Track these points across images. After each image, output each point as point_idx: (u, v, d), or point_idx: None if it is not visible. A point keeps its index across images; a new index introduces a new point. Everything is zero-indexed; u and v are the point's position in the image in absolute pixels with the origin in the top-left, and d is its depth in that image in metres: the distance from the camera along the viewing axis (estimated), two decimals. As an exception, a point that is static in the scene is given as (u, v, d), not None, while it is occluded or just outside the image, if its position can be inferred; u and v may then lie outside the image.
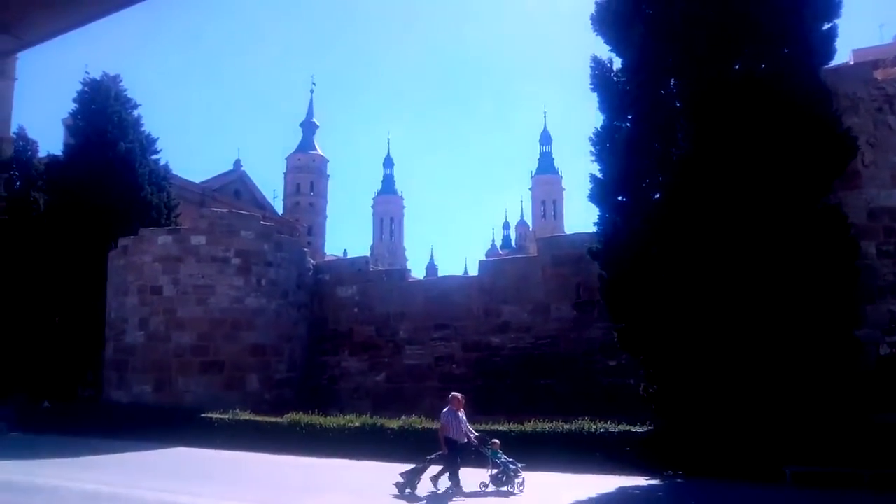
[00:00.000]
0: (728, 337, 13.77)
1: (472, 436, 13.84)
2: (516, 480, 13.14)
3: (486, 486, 13.25)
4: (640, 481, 13.98)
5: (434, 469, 13.47)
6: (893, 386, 14.48)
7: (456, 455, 13.36)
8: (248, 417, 21.10)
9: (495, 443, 13.92)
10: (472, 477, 13.35)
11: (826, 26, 15.29)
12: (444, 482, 13.26)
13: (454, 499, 12.80)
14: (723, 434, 13.61)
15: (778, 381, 13.35)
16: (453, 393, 14.38)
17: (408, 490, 13.01)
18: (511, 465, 13.26)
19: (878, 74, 16.81)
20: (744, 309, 13.72)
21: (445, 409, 13.88)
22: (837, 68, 16.50)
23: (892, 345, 15.03)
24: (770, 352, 13.45)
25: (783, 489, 12.69)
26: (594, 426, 15.82)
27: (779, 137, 14.12)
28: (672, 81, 16.09)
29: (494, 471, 13.36)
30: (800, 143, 14.10)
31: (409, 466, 13.47)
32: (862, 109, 15.90)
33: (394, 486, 13.04)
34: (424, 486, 13.20)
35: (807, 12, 15.08)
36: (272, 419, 20.46)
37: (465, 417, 13.94)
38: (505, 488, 13.12)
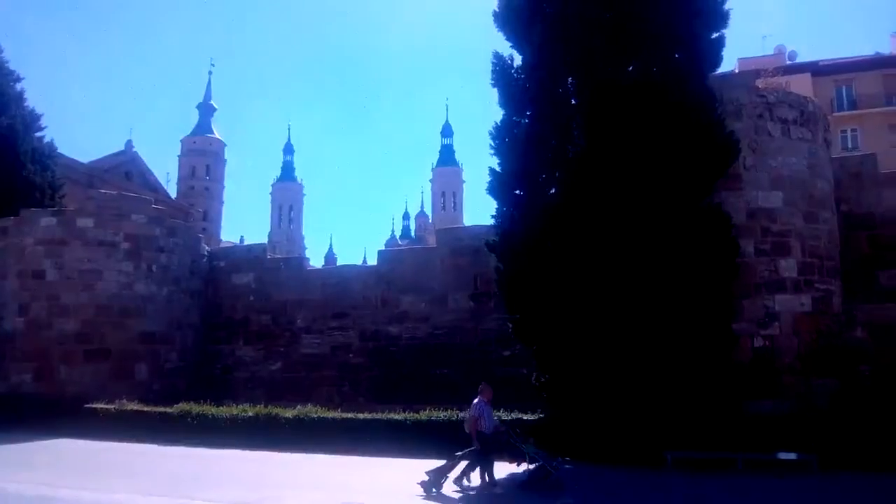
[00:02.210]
0: (616, 328, 14.36)
1: (502, 428, 13.11)
2: (554, 476, 12.26)
3: (520, 482, 12.40)
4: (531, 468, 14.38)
5: (461, 466, 12.57)
6: (765, 376, 15.54)
7: (489, 449, 12.46)
8: (135, 408, 20.44)
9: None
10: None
11: (714, 35, 16.19)
12: (475, 479, 12.41)
13: (490, 497, 12.02)
14: (609, 421, 14.18)
15: (661, 371, 14.04)
16: (483, 383, 13.51)
17: (434, 490, 12.04)
18: (549, 460, 12.44)
19: (760, 83, 17.89)
20: (631, 302, 14.33)
21: (476, 400, 12.96)
22: (724, 75, 17.46)
23: (766, 338, 16.07)
24: (654, 343, 14.13)
25: (663, 473, 13.38)
26: (488, 414, 16.13)
27: (667, 138, 14.81)
28: (570, 80, 16.57)
29: (530, 466, 12.58)
30: (686, 145, 14.84)
31: (436, 463, 12.55)
32: (745, 115, 16.86)
33: (419, 486, 12.06)
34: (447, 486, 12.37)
35: (697, 21, 15.90)
36: (162, 409, 19.86)
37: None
38: (542, 485, 12.23)
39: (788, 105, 17.42)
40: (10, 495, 11.73)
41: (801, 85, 32.94)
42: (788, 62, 44.06)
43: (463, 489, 12.32)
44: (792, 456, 13.17)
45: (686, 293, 14.27)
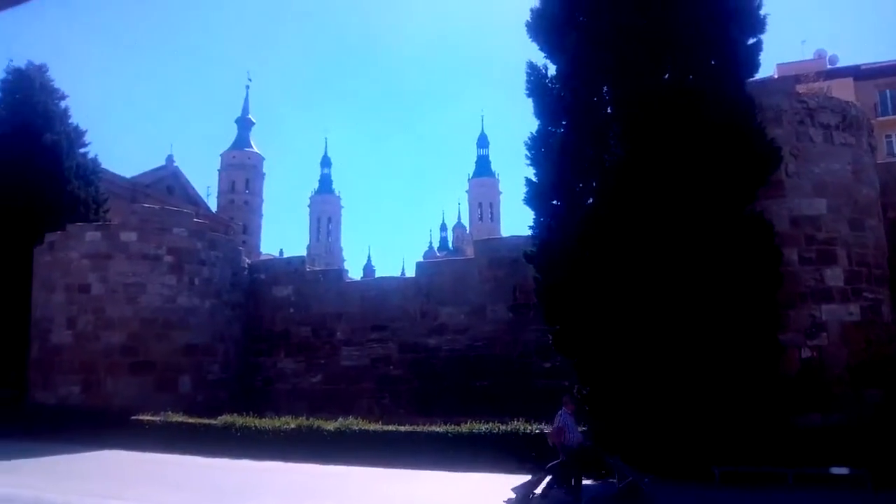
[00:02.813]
0: (658, 340, 14.18)
1: (588, 441, 12.54)
2: (644, 493, 11.68)
3: (607, 498, 11.81)
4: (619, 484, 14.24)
5: (546, 481, 12.08)
6: (814, 388, 15.17)
7: (575, 463, 11.94)
8: (180, 419, 20.72)
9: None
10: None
11: (751, 41, 16.02)
12: (560, 495, 11.91)
13: None
14: (654, 434, 13.98)
15: (706, 383, 13.82)
16: (567, 394, 13.17)
17: None
18: (639, 476, 11.90)
19: (800, 88, 17.61)
20: (673, 313, 14.15)
21: (559, 412, 12.56)
22: (762, 81, 17.21)
23: (814, 348, 15.69)
24: (698, 354, 13.92)
25: (712, 488, 13.10)
26: (530, 427, 16.05)
27: (706, 146, 14.63)
28: (605, 88, 16.48)
29: (620, 483, 11.93)
30: (726, 153, 14.65)
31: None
32: (785, 121, 16.57)
33: None
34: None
35: (733, 26, 15.71)
36: (206, 421, 20.11)
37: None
38: (630, 502, 11.68)
39: (830, 110, 17.08)
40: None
41: (843, 89, 32.30)
42: (829, 66, 43.22)
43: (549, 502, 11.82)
44: (844, 471, 12.75)
45: (729, 303, 14.05)
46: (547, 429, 15.82)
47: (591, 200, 16.27)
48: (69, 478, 15.34)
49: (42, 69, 32.83)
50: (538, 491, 11.94)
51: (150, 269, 24.66)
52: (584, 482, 12.17)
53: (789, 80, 17.92)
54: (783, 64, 40.48)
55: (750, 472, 13.16)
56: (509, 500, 11.71)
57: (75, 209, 29.64)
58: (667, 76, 15.84)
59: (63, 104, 33.05)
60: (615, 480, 12.16)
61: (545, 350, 19.40)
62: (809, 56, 47.23)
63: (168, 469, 17.09)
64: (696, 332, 13.97)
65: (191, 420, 20.56)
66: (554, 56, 17.15)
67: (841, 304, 15.99)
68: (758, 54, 16.05)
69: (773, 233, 15.13)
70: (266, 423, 19.13)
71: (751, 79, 16.17)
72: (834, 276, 16.11)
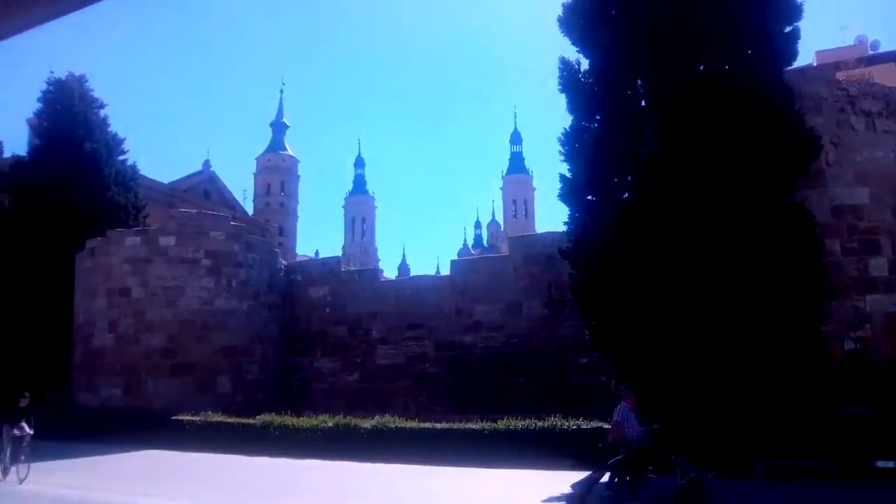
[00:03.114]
0: (697, 334, 13.99)
1: (648, 437, 11.91)
2: (707, 490, 11.07)
3: (668, 495, 11.17)
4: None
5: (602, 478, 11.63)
6: (858, 380, 14.83)
7: (636, 459, 11.49)
8: (220, 419, 20.98)
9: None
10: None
11: (788, 28, 15.69)
12: (620, 491, 11.38)
13: None
14: (692, 428, 13.78)
15: (746, 377, 13.59)
16: (625, 388, 12.67)
17: None
18: (702, 472, 11.21)
19: (841, 76, 17.18)
20: (712, 306, 13.95)
21: (618, 406, 12.19)
22: (801, 69, 16.83)
23: (857, 340, 15.34)
24: (738, 348, 13.69)
25: (753, 482, 12.88)
26: (567, 423, 15.98)
27: (743, 137, 14.39)
28: (639, 82, 16.33)
29: (682, 480, 11.20)
30: (764, 143, 14.39)
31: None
32: (825, 110, 16.22)
33: (564, 501, 11.29)
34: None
35: (769, 15, 15.42)
36: (245, 421, 20.35)
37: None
38: (692, 499, 10.98)
39: (872, 97, 16.66)
40: (104, 504, 12.19)
41: (886, 75, 31.44)
42: (871, 52, 42.14)
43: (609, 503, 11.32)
44: (890, 464, 12.42)
45: (770, 295, 13.80)
46: (584, 424, 15.80)
47: (626, 195, 16.15)
48: (114, 477, 15.62)
49: (81, 79, 33.53)
50: (599, 484, 11.51)
51: (188, 273, 25.01)
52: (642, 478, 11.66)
53: (829, 67, 17.48)
54: (822, 51, 39.47)
55: (792, 465, 12.87)
56: (568, 495, 11.40)
57: (115, 215, 30.23)
58: (702, 67, 15.63)
59: (102, 113, 33.75)
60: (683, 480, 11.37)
61: (581, 346, 19.27)
62: (850, 42, 46.06)
63: (209, 468, 17.29)
64: (736, 326, 13.75)
65: (230, 420, 20.81)
66: (587, 50, 17.02)
67: (885, 295, 15.59)
68: (795, 42, 15.73)
69: (814, 223, 14.81)
70: (304, 421, 19.30)
71: (789, 67, 15.85)
72: (878, 266, 15.72)
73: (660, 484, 11.64)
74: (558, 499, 11.98)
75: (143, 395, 23.82)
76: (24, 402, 15.40)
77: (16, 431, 14.75)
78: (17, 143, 66.08)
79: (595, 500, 11.37)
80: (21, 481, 14.19)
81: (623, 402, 12.22)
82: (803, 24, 15.75)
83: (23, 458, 14.64)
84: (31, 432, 15.00)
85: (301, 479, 15.47)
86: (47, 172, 29.80)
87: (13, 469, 14.68)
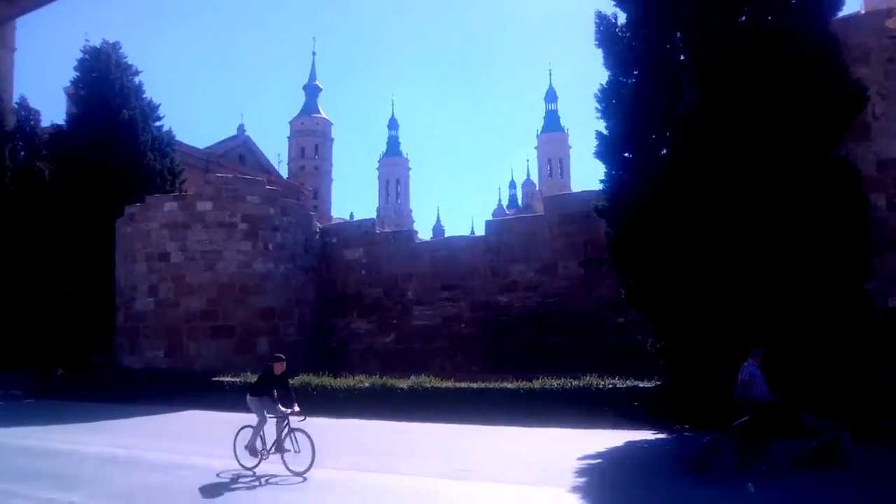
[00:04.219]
0: (737, 292, 13.76)
1: (776, 397, 11.15)
2: (843, 452, 10.39)
3: (798, 459, 10.58)
4: (648, 435, 14.12)
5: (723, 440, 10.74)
6: (900, 338, 14.47)
7: (765, 421, 10.72)
8: (259, 380, 21.25)
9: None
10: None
11: (835, -25, 15.01)
12: (743, 454, 10.69)
13: (767, 477, 10.15)
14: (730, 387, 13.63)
15: (787, 335, 13.35)
16: (755, 346, 11.65)
17: (701, 468, 10.24)
18: (839, 433, 10.56)
19: (890, 23, 16.46)
20: (752, 263, 13.69)
21: (745, 363, 11.38)
22: (847, 18, 16.21)
23: (902, 297, 14.98)
24: (779, 306, 13.45)
25: (791, 441, 12.67)
26: (602, 382, 15.97)
27: (786, 90, 13.96)
28: (678, 35, 15.88)
29: (813, 442, 10.60)
30: (808, 96, 13.93)
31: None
32: (872, 60, 15.66)
33: (684, 464, 10.41)
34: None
35: (815, -39, 14.79)
36: (283, 381, 20.60)
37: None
38: (825, 462, 10.36)
39: (924, 45, 16.01)
40: (146, 462, 12.48)
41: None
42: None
43: (733, 466, 10.52)
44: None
45: (813, 252, 13.48)
46: (620, 383, 15.76)
47: (664, 151, 15.83)
48: (159, 437, 16.04)
49: (116, 47, 33.69)
50: (722, 447, 10.60)
51: (226, 237, 25.28)
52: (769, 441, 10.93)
53: (878, 14, 16.74)
54: (870, -1, 38.14)
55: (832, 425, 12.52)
56: (689, 456, 10.41)
57: (152, 181, 30.60)
58: (743, 18, 15.12)
59: (137, 80, 33.96)
60: (816, 442, 10.67)
61: (618, 305, 19.16)
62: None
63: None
64: (778, 283, 13.49)
65: (269, 381, 21.05)
66: (624, 4, 16.60)
67: (933, 251, 15.16)
68: (842, -11, 15.11)
69: (859, 178, 14.37)
70: (341, 382, 19.54)
71: (835, 17, 15.25)
72: (926, 222, 15.25)
73: (786, 447, 10.89)
74: (593, 457, 12.01)
75: (185, 357, 24.31)
76: (279, 368, 11.70)
77: (282, 408, 11.29)
78: (56, 112, 67.05)
79: (719, 464, 10.46)
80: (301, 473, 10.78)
81: (750, 359, 11.43)
82: (851, -29, 15.15)
83: (293, 443, 11.20)
84: (296, 409, 11.43)
85: (340, 438, 15.65)
86: (85, 140, 30.24)
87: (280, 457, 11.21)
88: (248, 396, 11.80)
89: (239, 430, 11.62)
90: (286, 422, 11.29)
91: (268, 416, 11.49)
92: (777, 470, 10.48)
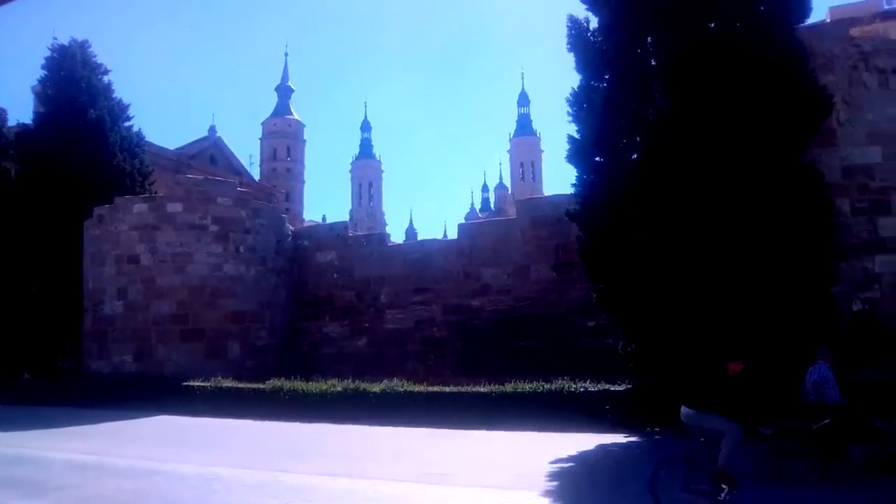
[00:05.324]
0: (705, 295, 13.89)
1: (846, 401, 10.51)
2: None
3: (873, 464, 10.01)
4: (620, 438, 14.21)
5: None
6: (867, 343, 14.74)
7: (839, 426, 10.10)
8: (230, 384, 21.14)
9: None
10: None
11: (802, -16, 15.28)
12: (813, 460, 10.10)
13: (837, 485, 9.63)
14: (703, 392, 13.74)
15: (754, 339, 13.51)
16: (823, 347, 11.16)
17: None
18: None
19: (854, 32, 16.81)
20: (720, 267, 13.84)
21: (815, 366, 10.80)
22: (814, 26, 16.51)
23: (866, 301, 15.28)
24: (746, 309, 13.61)
25: (757, 445, 12.79)
26: (574, 385, 16.03)
27: (754, 96, 14.16)
28: (649, 40, 16.04)
29: (889, 448, 10.03)
30: (775, 102, 14.15)
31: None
32: (837, 67, 15.97)
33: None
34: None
35: (782, -31, 15.04)
36: (254, 385, 20.51)
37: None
38: None
39: (886, 53, 16.35)
40: (118, 468, 12.30)
41: (900, 31, 30.73)
42: (886, 6, 41.32)
43: (811, 475, 9.96)
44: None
45: (779, 257, 13.68)
46: (592, 387, 15.82)
47: (635, 156, 15.95)
48: (128, 442, 15.79)
49: (84, 45, 33.23)
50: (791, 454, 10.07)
51: (196, 239, 25.02)
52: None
53: (842, 23, 17.08)
54: (836, 7, 38.71)
55: (799, 427, 12.70)
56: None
57: (121, 182, 30.14)
58: (713, 25, 15.32)
59: (106, 79, 33.50)
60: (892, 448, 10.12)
61: (589, 308, 19.22)
62: (864, -2, 45.10)
63: (221, 432, 17.46)
64: (745, 287, 13.65)
65: (240, 385, 20.96)
66: (595, 8, 16.71)
67: (895, 255, 15.48)
68: (809, -1, 15.39)
69: (824, 183, 14.64)
70: (313, 386, 19.43)
71: (802, 24, 15.53)
72: (888, 226, 15.61)
73: (855, 452, 10.31)
74: (565, 461, 12.07)
75: (155, 361, 24.00)
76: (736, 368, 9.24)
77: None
78: (23, 111, 65.94)
79: (795, 474, 9.89)
80: None
81: (819, 360, 10.90)
82: (817, -20, 15.42)
83: None
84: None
85: (312, 442, 15.62)
86: (52, 140, 29.72)
87: None
88: None
89: None
90: None
91: None
92: (853, 476, 9.94)
